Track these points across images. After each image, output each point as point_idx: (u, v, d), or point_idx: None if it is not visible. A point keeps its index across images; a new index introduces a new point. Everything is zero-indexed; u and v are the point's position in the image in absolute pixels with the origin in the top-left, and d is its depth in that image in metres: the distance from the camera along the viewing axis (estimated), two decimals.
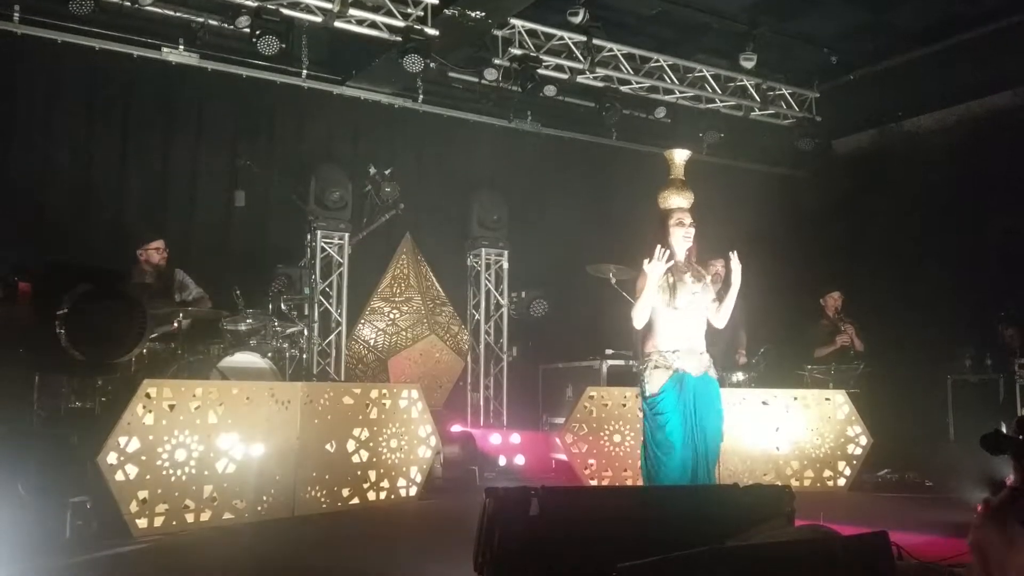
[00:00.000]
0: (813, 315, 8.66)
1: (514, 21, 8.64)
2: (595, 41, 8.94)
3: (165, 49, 8.12)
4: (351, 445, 5.99)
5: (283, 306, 7.29)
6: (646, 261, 4.67)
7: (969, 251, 8.98)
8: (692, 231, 4.83)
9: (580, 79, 9.19)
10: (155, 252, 7.00)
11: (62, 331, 4.96)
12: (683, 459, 4.53)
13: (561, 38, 8.89)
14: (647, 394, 4.67)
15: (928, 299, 8.88)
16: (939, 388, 8.59)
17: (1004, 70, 9.17)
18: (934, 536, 4.85)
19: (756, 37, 9.26)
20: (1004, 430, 3.90)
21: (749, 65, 9.41)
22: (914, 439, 8.02)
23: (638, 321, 4.74)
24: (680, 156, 5.06)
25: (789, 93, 10.35)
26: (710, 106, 9.97)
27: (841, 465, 7.21)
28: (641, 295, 4.68)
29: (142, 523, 4.91)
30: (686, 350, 4.69)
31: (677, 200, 4.91)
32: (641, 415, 4.84)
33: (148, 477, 4.95)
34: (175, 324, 6.33)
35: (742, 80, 9.95)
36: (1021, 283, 8.40)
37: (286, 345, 7.25)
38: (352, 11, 7.64)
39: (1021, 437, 3.25)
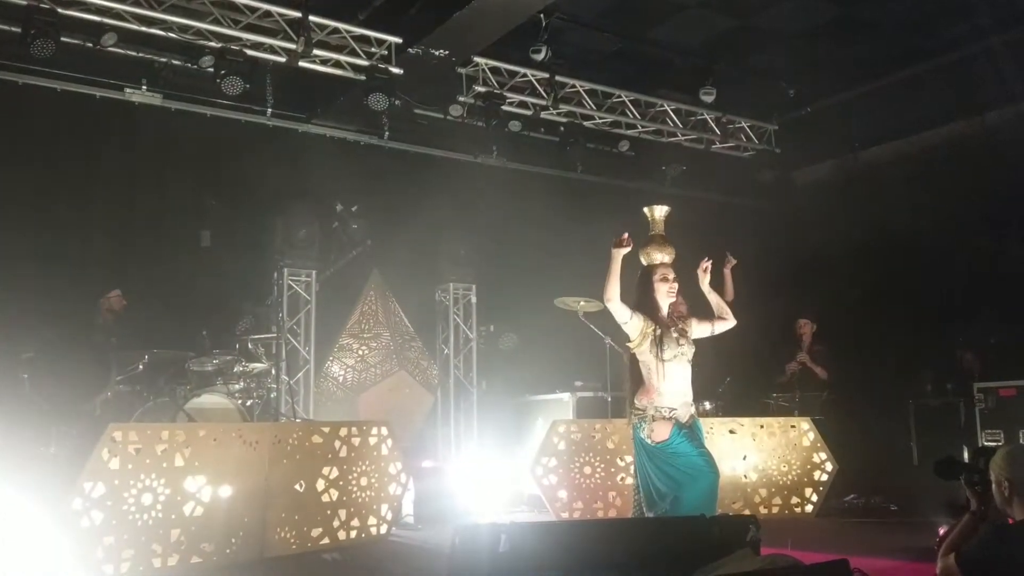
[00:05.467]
0: (776, 344, 8.76)
1: (478, 59, 8.75)
2: (558, 78, 9.09)
3: (128, 90, 8.13)
4: (320, 484, 5.94)
5: (250, 345, 7.26)
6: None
7: (929, 278, 9.14)
8: (676, 287, 4.85)
9: (544, 115, 9.31)
10: (116, 299, 7.28)
11: (25, 376, 4.92)
12: (711, 482, 4.52)
13: (524, 75, 9.02)
14: (654, 441, 4.59)
15: (889, 326, 9.02)
16: (902, 413, 8.71)
17: (960, 100, 9.39)
18: (899, 561, 4.93)
19: (715, 72, 9.45)
20: (966, 456, 3.99)
21: (709, 99, 9.59)
22: (879, 464, 8.12)
23: (611, 293, 4.63)
24: (660, 212, 5.11)
25: (749, 126, 10.54)
26: (672, 140, 10.13)
27: (808, 491, 7.29)
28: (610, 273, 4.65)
29: (108, 569, 4.84)
30: (680, 405, 4.69)
31: (659, 256, 4.94)
32: (633, 469, 4.81)
33: (114, 522, 4.89)
34: (139, 367, 6.29)
35: (703, 114, 10.13)
36: (979, 308, 8.57)
37: (253, 384, 7.20)
38: (316, 51, 7.70)
39: (978, 466, 3.35)
